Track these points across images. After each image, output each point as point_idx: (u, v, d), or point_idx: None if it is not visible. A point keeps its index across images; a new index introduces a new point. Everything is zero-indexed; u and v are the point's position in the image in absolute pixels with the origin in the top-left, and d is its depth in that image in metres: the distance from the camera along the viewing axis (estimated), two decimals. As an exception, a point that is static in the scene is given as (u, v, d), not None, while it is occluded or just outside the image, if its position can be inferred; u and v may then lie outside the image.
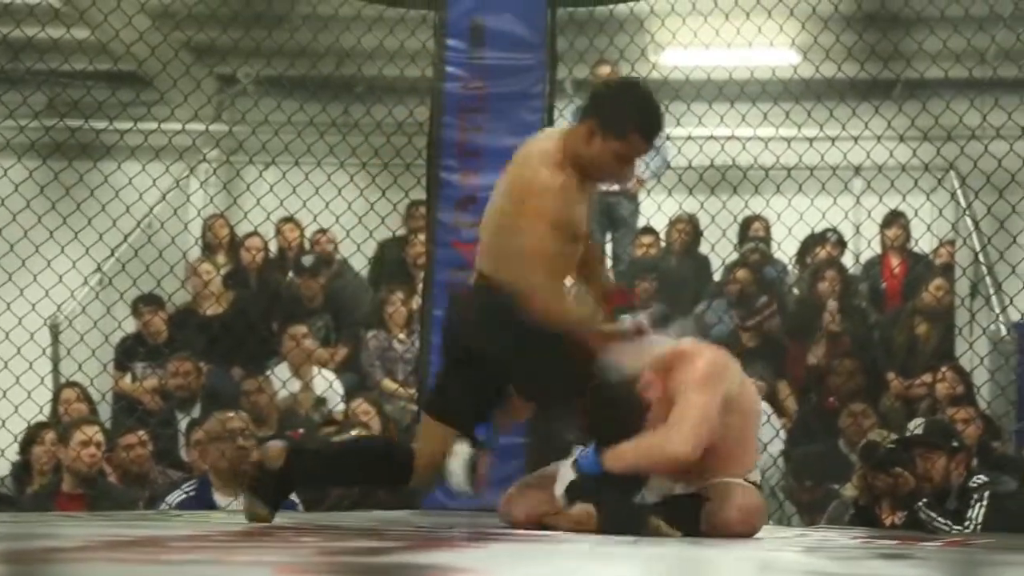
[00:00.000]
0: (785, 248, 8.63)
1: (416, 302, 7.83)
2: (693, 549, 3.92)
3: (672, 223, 9.07)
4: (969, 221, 8.42)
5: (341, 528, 4.37)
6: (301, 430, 7.17)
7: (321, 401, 7.82)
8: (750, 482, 4.50)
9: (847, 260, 9.23)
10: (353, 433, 6.37)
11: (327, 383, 7.87)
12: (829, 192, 7.73)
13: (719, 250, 8.38)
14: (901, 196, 7.83)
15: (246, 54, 8.48)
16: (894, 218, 8.94)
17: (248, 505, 4.57)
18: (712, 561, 3.53)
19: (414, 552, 3.45)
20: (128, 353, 8.08)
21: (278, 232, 9.15)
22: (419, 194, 7.16)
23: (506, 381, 4.61)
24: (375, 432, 6.84)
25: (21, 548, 3.28)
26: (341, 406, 7.81)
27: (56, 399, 7.45)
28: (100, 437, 6.48)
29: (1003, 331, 7.84)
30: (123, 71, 8.60)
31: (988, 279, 8.12)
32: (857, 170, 8.12)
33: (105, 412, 7.84)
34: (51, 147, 7.60)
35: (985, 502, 5.65)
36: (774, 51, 8.32)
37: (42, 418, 7.14)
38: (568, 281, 4.71)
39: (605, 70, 8.80)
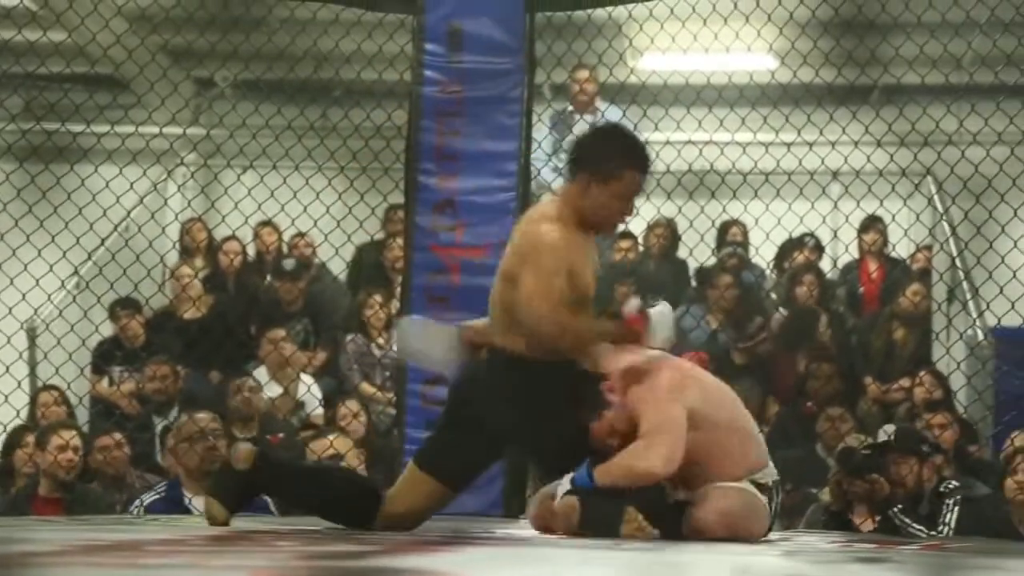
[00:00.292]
0: (763, 253, 8.65)
1: (395, 306, 7.82)
2: (671, 553, 3.92)
3: (650, 227, 9.07)
4: (946, 226, 8.45)
5: (318, 532, 4.36)
6: (281, 435, 7.17)
7: (299, 405, 7.81)
8: (758, 483, 4.50)
9: (825, 265, 9.25)
10: (331, 438, 6.34)
11: (305, 387, 7.85)
12: (807, 197, 7.75)
13: (697, 255, 8.39)
14: (879, 201, 7.85)
15: (224, 57, 8.45)
16: (872, 223, 8.97)
17: (207, 505, 4.57)
18: (689, 565, 3.53)
19: (391, 556, 3.44)
20: (105, 357, 8.06)
21: (256, 236, 9.13)
22: (397, 198, 7.16)
23: (510, 447, 4.69)
24: (356, 435, 6.84)
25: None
26: (319, 410, 7.79)
27: (34, 403, 7.43)
28: (77, 441, 6.46)
29: (980, 336, 7.87)
30: (100, 74, 8.57)
31: (965, 284, 8.15)
32: (835, 175, 8.11)
33: (83, 416, 7.81)
34: (28, 150, 7.57)
35: (957, 506, 5.68)
36: (752, 56, 8.34)
37: (19, 422, 7.11)
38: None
39: (583, 74, 8.81)
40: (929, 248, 8.77)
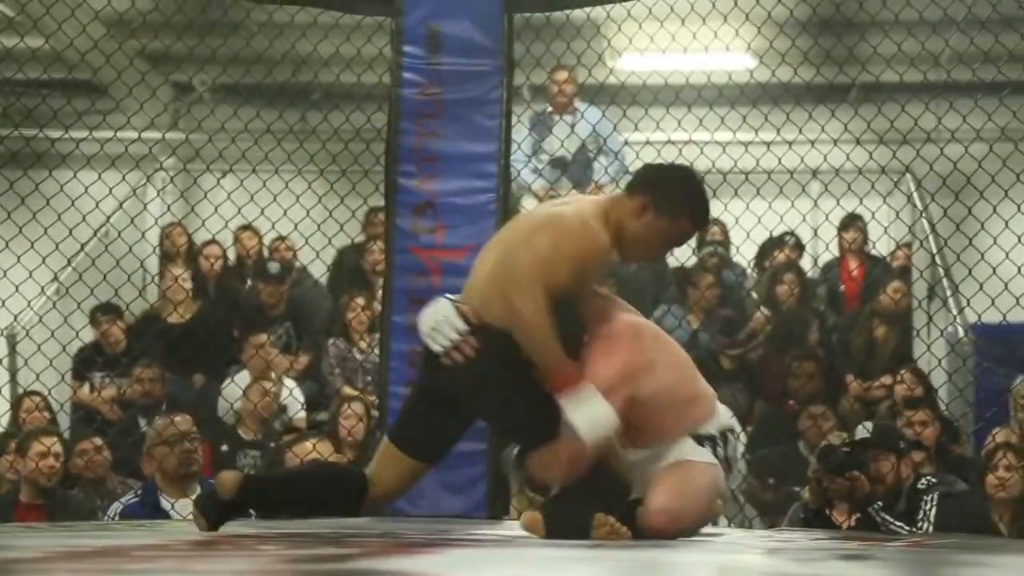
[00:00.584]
0: (744, 252, 8.66)
1: (376, 308, 7.82)
2: (655, 552, 3.92)
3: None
4: (926, 224, 8.47)
5: (301, 535, 4.35)
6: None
7: (282, 409, 7.80)
8: (701, 436, 4.48)
9: (805, 263, 9.27)
10: (313, 442, 6.34)
11: (287, 391, 7.85)
12: (787, 195, 7.76)
13: (679, 254, 8.39)
14: (858, 199, 7.86)
15: (202, 62, 8.43)
16: (851, 221, 8.99)
17: (194, 516, 4.59)
18: (674, 564, 3.53)
19: (375, 558, 3.44)
20: (86, 363, 8.05)
21: (236, 240, 9.12)
22: (377, 200, 7.15)
23: (482, 418, 4.66)
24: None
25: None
26: (302, 414, 7.79)
27: (16, 409, 7.41)
28: (58, 448, 6.44)
29: (960, 333, 7.89)
30: (78, 79, 8.55)
31: (945, 281, 8.18)
32: (814, 173, 8.14)
33: (65, 422, 7.80)
34: (6, 156, 7.54)
35: (936, 503, 5.70)
36: (730, 56, 8.34)
37: (1, 428, 7.09)
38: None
39: (562, 75, 8.82)
40: (909, 246, 8.80)
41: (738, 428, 4.65)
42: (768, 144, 7.61)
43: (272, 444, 7.27)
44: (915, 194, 8.82)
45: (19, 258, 7.06)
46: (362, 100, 7.76)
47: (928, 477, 5.86)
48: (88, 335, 8.21)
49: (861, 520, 5.64)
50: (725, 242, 9.13)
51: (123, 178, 7.53)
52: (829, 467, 5.70)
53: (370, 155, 7.49)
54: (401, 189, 6.07)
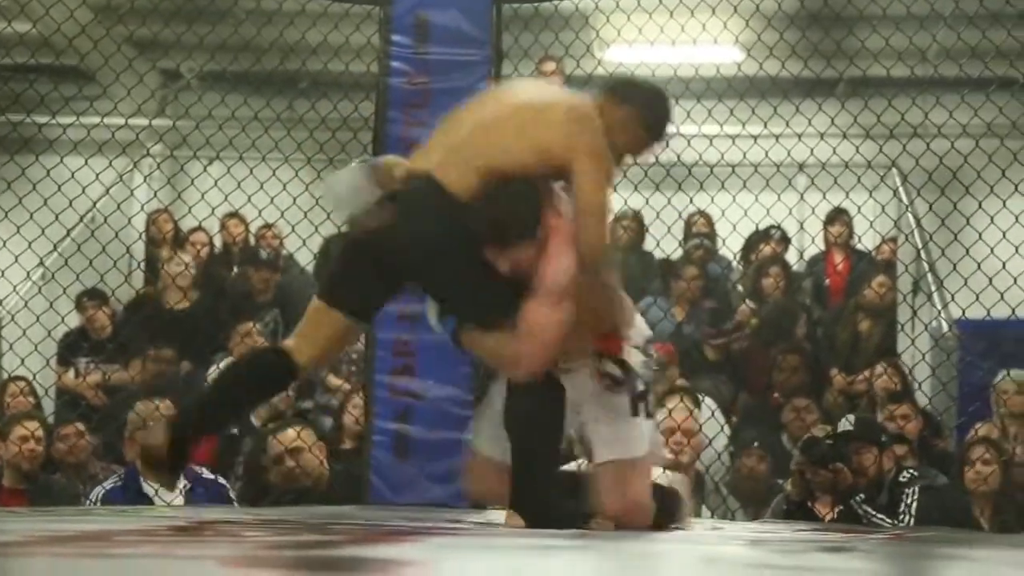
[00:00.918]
0: (730, 245, 8.67)
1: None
2: (640, 543, 3.93)
3: (617, 219, 9.08)
4: (911, 218, 8.49)
5: (286, 522, 4.35)
6: None
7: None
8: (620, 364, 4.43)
9: (791, 257, 9.28)
10: (296, 429, 6.34)
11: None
12: (773, 189, 7.77)
13: (665, 247, 8.40)
14: (844, 193, 7.87)
15: (190, 48, 8.42)
16: (837, 215, 9.00)
17: (156, 479, 4.57)
18: (657, 555, 3.54)
19: (360, 546, 3.45)
20: (71, 348, 8.03)
21: (223, 227, 9.10)
22: (364, 189, 7.12)
23: (423, 286, 4.46)
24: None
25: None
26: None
27: (1, 393, 7.40)
28: (40, 432, 6.44)
29: (944, 327, 7.91)
30: (65, 65, 8.52)
31: (930, 276, 8.20)
32: (801, 167, 8.15)
33: (50, 407, 7.79)
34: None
35: (917, 496, 5.72)
36: (718, 48, 8.35)
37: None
38: None
39: (550, 67, 8.80)
40: (894, 240, 8.81)
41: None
42: (755, 137, 7.62)
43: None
44: (901, 189, 8.84)
45: (4, 243, 7.05)
46: (350, 89, 7.76)
47: (910, 470, 5.88)
48: (74, 320, 8.19)
49: (843, 512, 5.66)
50: (711, 235, 9.14)
51: (110, 164, 7.51)
52: (812, 459, 5.72)
53: (357, 144, 7.48)
54: (388, 178, 6.05)
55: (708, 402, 7.35)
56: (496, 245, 4.28)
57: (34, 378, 7.40)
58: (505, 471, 4.39)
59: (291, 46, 7.80)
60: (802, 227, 9.26)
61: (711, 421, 7.01)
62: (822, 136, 7.48)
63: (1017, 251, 6.73)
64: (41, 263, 7.73)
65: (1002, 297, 6.65)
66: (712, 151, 7.69)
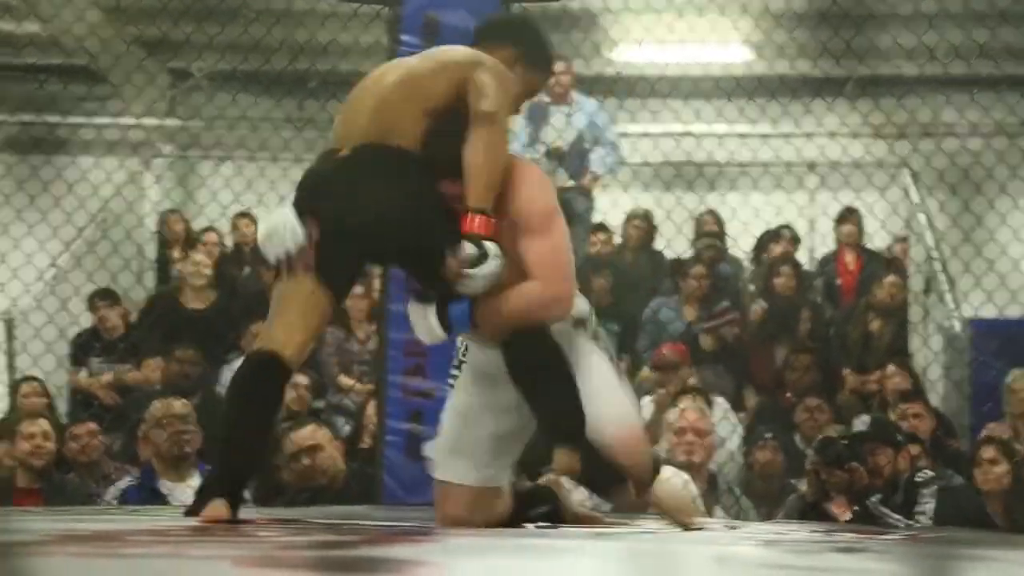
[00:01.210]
0: (741, 244, 8.66)
1: (373, 298, 7.81)
2: (653, 542, 3.93)
3: (628, 219, 9.08)
4: (923, 217, 8.48)
5: (300, 522, 4.35)
6: None
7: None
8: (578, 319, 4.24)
9: (802, 256, 9.28)
10: (311, 428, 6.33)
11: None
12: (784, 188, 7.78)
13: (674, 246, 8.41)
14: (855, 192, 7.87)
15: (199, 48, 8.44)
16: (848, 214, 8.99)
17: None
18: (671, 555, 3.54)
19: (374, 546, 3.44)
20: (84, 348, 8.04)
21: (234, 227, 9.11)
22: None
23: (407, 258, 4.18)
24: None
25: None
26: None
27: (14, 394, 7.42)
28: (48, 430, 6.45)
29: (957, 327, 7.90)
30: (76, 65, 8.55)
31: (942, 275, 8.19)
32: (811, 166, 8.15)
33: (63, 407, 7.81)
34: (4, 142, 7.55)
35: (933, 496, 5.71)
36: (728, 48, 8.35)
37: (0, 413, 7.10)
38: None
39: (559, 67, 8.81)
40: (905, 239, 8.80)
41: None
42: (765, 137, 7.62)
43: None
44: (912, 188, 8.83)
45: (17, 242, 7.07)
46: (359, 88, 7.75)
47: (926, 470, 5.87)
48: (86, 320, 8.21)
49: (858, 513, 5.64)
50: (721, 234, 9.13)
51: (121, 164, 7.53)
52: (827, 460, 5.71)
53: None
54: (398, 177, 6.04)
55: (720, 401, 7.35)
56: (456, 183, 4.00)
57: (46, 378, 7.42)
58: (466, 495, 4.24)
59: (301, 46, 7.82)
60: (813, 226, 9.25)
61: (724, 421, 7.01)
62: (832, 135, 7.49)
63: (1029, 249, 6.73)
64: (53, 263, 7.74)
65: (1015, 296, 6.65)
66: (722, 150, 7.69)
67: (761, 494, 6.87)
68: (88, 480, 6.60)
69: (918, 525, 5.57)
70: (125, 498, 5.99)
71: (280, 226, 4.02)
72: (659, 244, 9.03)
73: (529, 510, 4.41)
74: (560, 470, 4.15)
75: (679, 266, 8.80)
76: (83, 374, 8.00)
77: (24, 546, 3.12)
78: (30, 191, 7.21)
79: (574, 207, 9.17)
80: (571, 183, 8.93)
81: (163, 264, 8.89)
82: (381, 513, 5.18)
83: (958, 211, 7.10)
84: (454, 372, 4.64)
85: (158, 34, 8.54)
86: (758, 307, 8.40)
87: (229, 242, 9.14)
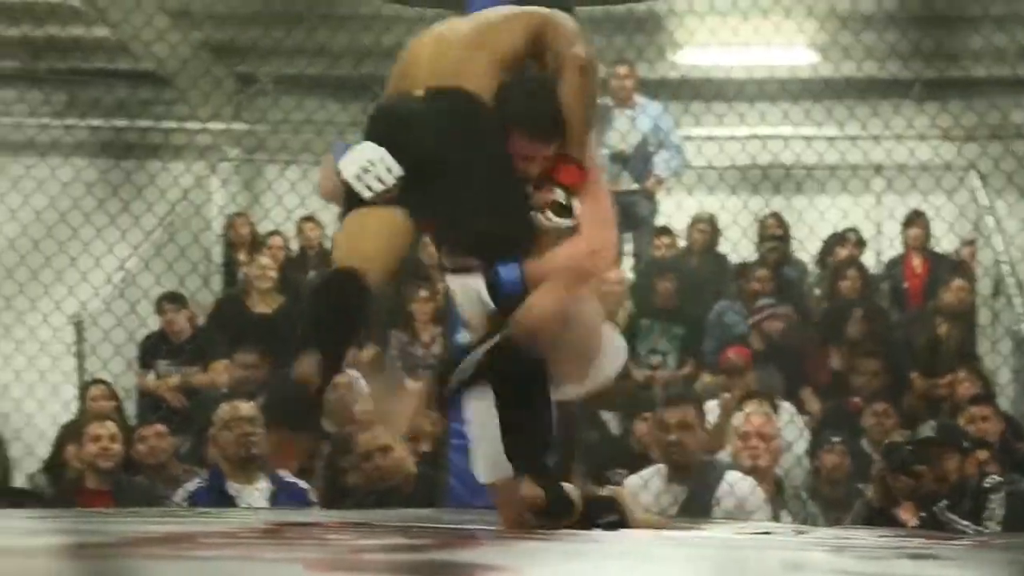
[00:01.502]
0: (807, 247, 8.62)
1: (439, 301, 7.83)
2: (722, 548, 3.92)
3: (692, 222, 9.06)
4: (991, 220, 8.41)
5: (369, 525, 4.36)
6: None
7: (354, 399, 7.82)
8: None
9: (869, 260, 9.22)
10: (378, 431, 6.34)
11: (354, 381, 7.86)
12: (850, 191, 7.73)
13: (740, 250, 8.37)
14: (922, 195, 7.82)
15: (266, 53, 8.49)
16: (915, 217, 8.92)
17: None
18: (739, 561, 3.52)
19: (445, 550, 3.45)
20: (151, 351, 8.10)
21: (299, 231, 9.15)
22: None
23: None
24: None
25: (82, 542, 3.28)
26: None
27: (83, 396, 7.48)
28: (115, 432, 6.50)
29: (1026, 330, 7.84)
30: (144, 70, 8.62)
31: (1010, 278, 8.12)
32: (878, 169, 8.10)
33: (132, 410, 7.87)
34: (73, 147, 7.62)
35: (1003, 502, 5.66)
36: (793, 50, 8.31)
37: (68, 415, 7.17)
38: None
39: (623, 69, 8.80)
40: (973, 242, 8.73)
41: None
42: (831, 140, 7.58)
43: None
44: (980, 191, 8.76)
45: (86, 246, 7.13)
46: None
47: (994, 476, 5.81)
48: (154, 323, 8.26)
49: (925, 519, 5.60)
50: (785, 237, 9.08)
51: (188, 168, 7.58)
52: (893, 465, 5.67)
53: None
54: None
55: (786, 406, 7.32)
56: (532, 142, 3.93)
57: (115, 381, 7.48)
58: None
59: (366, 50, 7.84)
60: (880, 230, 9.19)
61: (791, 425, 6.97)
62: (900, 138, 7.44)
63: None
64: (122, 266, 7.80)
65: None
66: (788, 153, 7.65)
67: (828, 499, 6.83)
68: (157, 482, 6.65)
69: (987, 531, 5.52)
70: (194, 500, 6.02)
71: (377, 160, 3.92)
72: (724, 248, 9.00)
73: (596, 518, 4.41)
74: (527, 499, 4.09)
75: (744, 270, 8.76)
76: (151, 377, 8.06)
77: (100, 548, 3.15)
78: (99, 195, 7.27)
79: (638, 210, 9.16)
80: (635, 186, 8.93)
81: (229, 268, 8.95)
82: (448, 516, 5.18)
83: (1027, 214, 7.05)
84: None
85: (225, 39, 8.60)
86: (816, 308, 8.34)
87: (295, 246, 9.18)
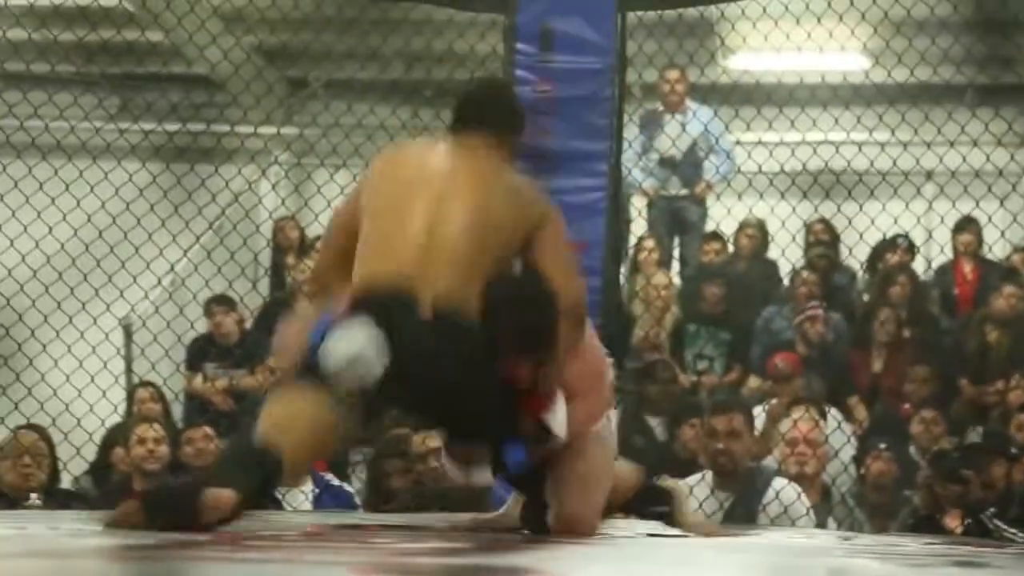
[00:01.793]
0: (856, 254, 8.58)
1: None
2: (769, 554, 3.91)
3: (740, 227, 9.03)
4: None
5: (412, 529, 4.37)
6: None
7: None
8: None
9: (919, 266, 9.16)
10: (424, 435, 6.34)
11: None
12: (901, 197, 7.68)
13: (789, 256, 8.34)
14: (974, 201, 7.75)
15: (317, 57, 8.52)
16: (967, 224, 8.87)
17: None
18: (785, 568, 3.51)
19: (488, 554, 3.45)
20: (199, 353, 8.13)
21: (348, 235, 9.15)
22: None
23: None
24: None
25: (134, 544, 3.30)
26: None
27: (131, 399, 7.53)
28: (161, 434, 6.53)
29: (1078, 338, 7.77)
30: (196, 74, 8.67)
31: (1063, 285, 8.06)
32: (929, 175, 8.04)
33: (179, 413, 7.91)
34: (125, 150, 7.67)
35: (1052, 510, 5.62)
36: (845, 55, 8.27)
37: (116, 418, 7.21)
38: None
39: (674, 74, 8.78)
40: (1025, 249, 8.67)
41: None
42: (883, 145, 7.54)
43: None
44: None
45: (137, 249, 7.17)
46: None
47: (1042, 483, 5.77)
48: (202, 326, 8.30)
49: (972, 526, 5.57)
50: (834, 243, 9.03)
51: (239, 172, 7.62)
52: (940, 472, 5.64)
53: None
54: (513, 186, 6.06)
55: (834, 412, 7.29)
56: (522, 356, 3.92)
57: (164, 383, 7.51)
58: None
59: (417, 54, 7.86)
60: (931, 236, 9.13)
61: (838, 432, 6.94)
62: (952, 144, 7.39)
63: None
64: (171, 269, 7.84)
65: None
66: (839, 159, 7.61)
67: (875, 505, 6.80)
68: (204, 485, 6.66)
69: (1036, 540, 5.48)
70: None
71: (372, 354, 3.76)
72: (773, 253, 8.96)
73: (646, 506, 4.42)
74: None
75: (794, 276, 8.73)
76: (198, 379, 8.10)
77: (147, 549, 3.17)
78: (151, 199, 7.31)
79: (687, 215, 9.15)
80: (684, 191, 8.92)
81: (278, 271, 8.98)
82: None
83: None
84: None
85: (277, 43, 8.64)
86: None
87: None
